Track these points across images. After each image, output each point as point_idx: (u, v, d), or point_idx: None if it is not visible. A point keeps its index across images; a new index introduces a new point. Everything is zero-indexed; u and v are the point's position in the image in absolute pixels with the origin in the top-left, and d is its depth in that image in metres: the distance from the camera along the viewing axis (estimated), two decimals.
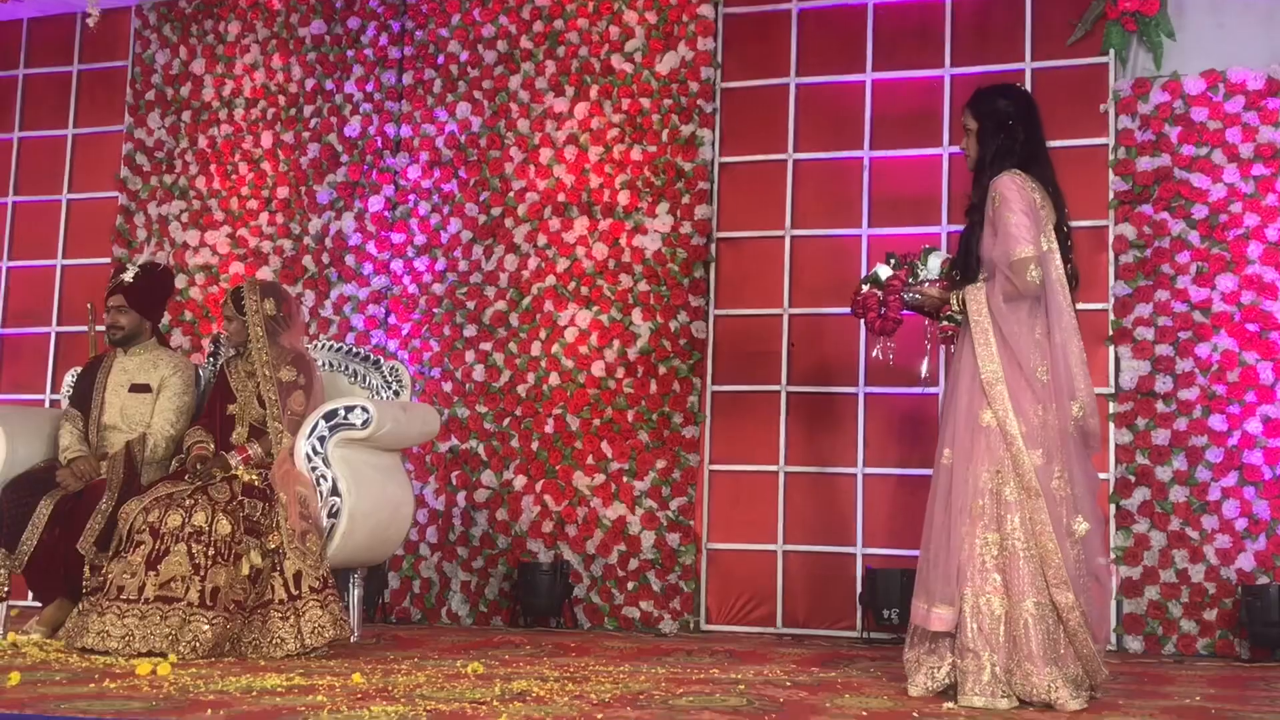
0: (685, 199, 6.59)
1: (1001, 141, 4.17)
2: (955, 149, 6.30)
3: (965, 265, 4.21)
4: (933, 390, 6.11)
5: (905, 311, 4.32)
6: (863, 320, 4.42)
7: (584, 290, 6.69)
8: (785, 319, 6.53)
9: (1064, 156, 6.12)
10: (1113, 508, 5.91)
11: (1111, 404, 5.98)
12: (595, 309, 6.66)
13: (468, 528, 6.71)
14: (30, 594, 5.48)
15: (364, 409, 5.12)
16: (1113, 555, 5.86)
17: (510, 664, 4.59)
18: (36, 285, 7.74)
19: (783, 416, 6.48)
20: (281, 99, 7.34)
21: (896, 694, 3.98)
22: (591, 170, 6.75)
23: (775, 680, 4.24)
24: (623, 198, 6.68)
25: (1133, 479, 5.90)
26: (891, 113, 6.52)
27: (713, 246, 6.61)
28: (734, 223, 6.65)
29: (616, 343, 6.61)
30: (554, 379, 6.67)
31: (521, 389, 6.73)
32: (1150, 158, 6.04)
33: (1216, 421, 5.83)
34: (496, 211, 6.89)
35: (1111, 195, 6.08)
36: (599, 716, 3.30)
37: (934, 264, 4.29)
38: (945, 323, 4.28)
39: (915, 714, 3.57)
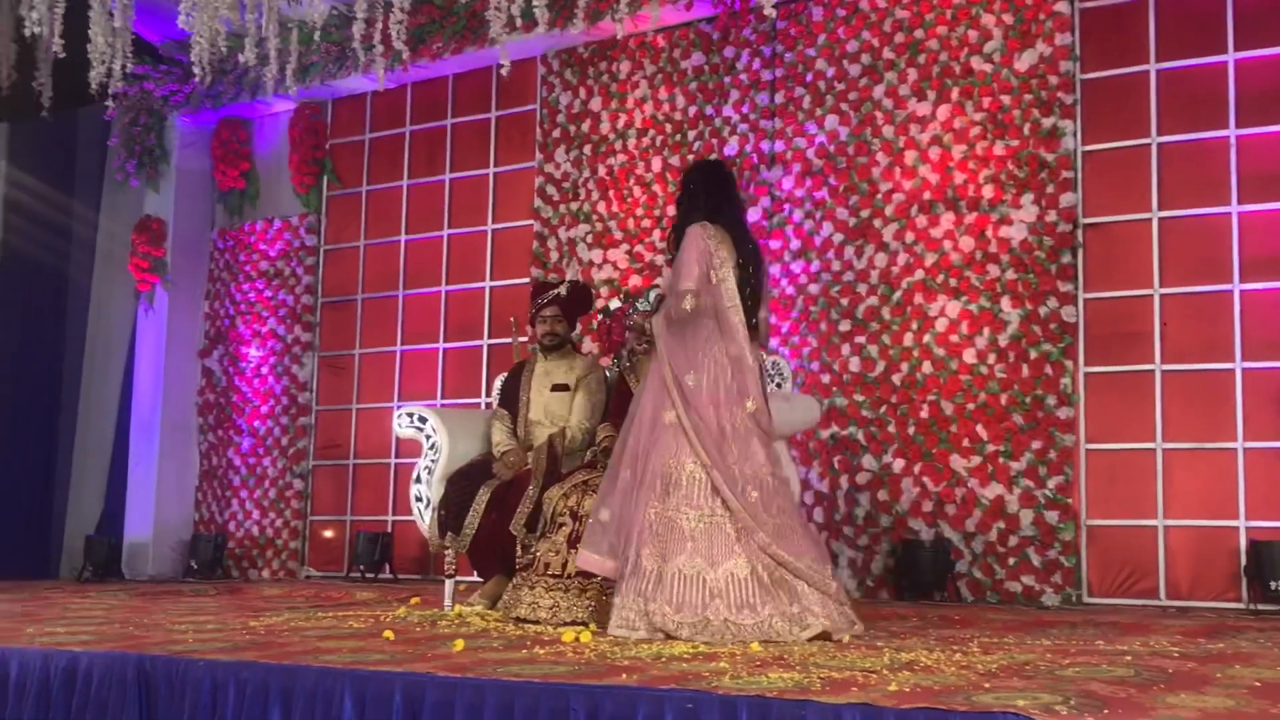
0: (1049, 189, 6.23)
1: (690, 202, 4.69)
2: None
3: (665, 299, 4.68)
4: None
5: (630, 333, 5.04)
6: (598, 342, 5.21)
7: (952, 282, 6.43)
8: (1156, 299, 6.07)
9: None
10: None
11: None
12: (964, 299, 6.39)
13: (851, 508, 6.57)
14: (474, 571, 5.72)
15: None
16: None
17: (898, 635, 4.42)
18: (469, 305, 8.14)
19: (1158, 394, 6.02)
20: (668, 127, 7.42)
21: None
22: (955, 168, 6.48)
23: (1162, 651, 3.90)
24: (987, 191, 6.38)
25: None
26: (1257, 90, 5.94)
27: (1079, 232, 6.21)
28: (1100, 208, 6.23)
29: (986, 330, 6.32)
30: (926, 367, 6.44)
31: (896, 378, 6.53)
32: None
33: None
34: (865, 214, 6.72)
35: None
36: (986, 685, 3.10)
37: (652, 297, 4.92)
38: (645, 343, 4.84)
39: None
